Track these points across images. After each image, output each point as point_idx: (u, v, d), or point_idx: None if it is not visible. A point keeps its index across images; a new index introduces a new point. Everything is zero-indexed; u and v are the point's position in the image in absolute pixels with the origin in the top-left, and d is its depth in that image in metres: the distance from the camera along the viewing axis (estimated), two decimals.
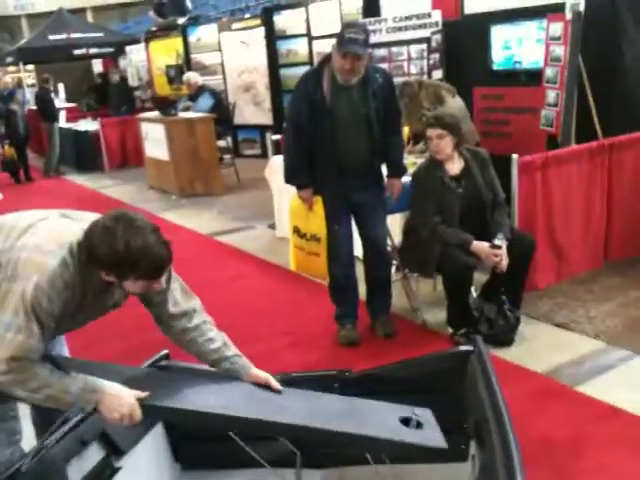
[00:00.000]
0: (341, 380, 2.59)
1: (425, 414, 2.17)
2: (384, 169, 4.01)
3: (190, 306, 2.27)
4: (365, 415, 2.16)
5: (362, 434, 2.02)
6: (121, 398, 2.00)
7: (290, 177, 3.94)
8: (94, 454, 2.23)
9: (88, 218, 2.08)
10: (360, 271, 4.11)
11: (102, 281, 2.00)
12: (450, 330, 3.94)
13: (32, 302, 1.87)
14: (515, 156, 4.19)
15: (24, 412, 2.44)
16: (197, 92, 8.95)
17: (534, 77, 5.31)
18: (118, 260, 1.87)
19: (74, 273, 1.93)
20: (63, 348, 2.54)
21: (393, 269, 4.37)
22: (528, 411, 2.98)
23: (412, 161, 4.75)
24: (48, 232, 1.99)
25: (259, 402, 2.22)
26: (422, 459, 2.01)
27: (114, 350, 3.87)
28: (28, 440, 2.39)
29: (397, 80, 4.87)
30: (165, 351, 2.73)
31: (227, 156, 9.27)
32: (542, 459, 2.65)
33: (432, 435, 2.06)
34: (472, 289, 4.03)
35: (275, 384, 2.29)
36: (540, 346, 3.77)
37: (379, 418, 2.14)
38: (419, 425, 2.09)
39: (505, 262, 3.68)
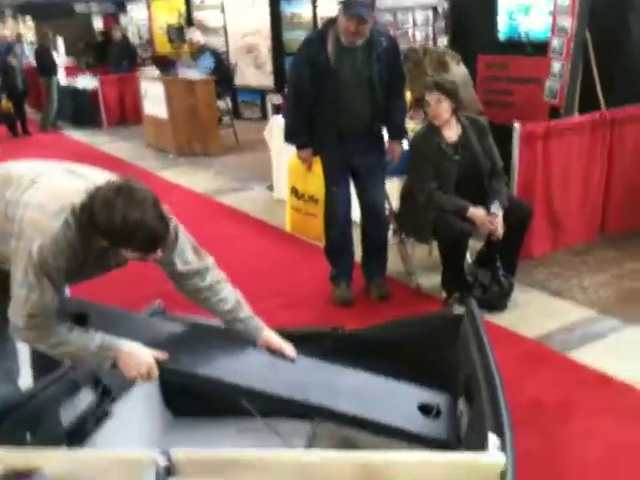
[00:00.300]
0: (333, 337, 2.61)
1: (444, 401, 2.17)
2: (385, 133, 3.99)
3: (202, 265, 2.27)
4: (383, 398, 2.16)
5: (378, 421, 2.03)
6: (139, 357, 2.06)
7: (290, 137, 3.92)
8: (86, 398, 2.25)
9: (93, 177, 2.08)
10: (357, 234, 4.11)
11: (102, 244, 2.02)
12: (444, 294, 3.96)
13: (39, 262, 1.91)
14: (517, 125, 4.17)
15: (24, 355, 2.45)
16: (199, 51, 8.84)
17: (540, 47, 5.25)
18: (114, 231, 1.88)
19: (76, 233, 1.94)
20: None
21: (390, 233, 4.38)
22: (518, 374, 3.01)
23: (412, 127, 4.72)
24: (52, 190, 2.00)
25: (275, 374, 2.23)
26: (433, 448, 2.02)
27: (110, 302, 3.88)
28: (25, 381, 2.41)
29: (402, 47, 4.82)
30: (157, 302, 2.75)
31: (226, 117, 9.20)
32: (530, 422, 2.68)
33: (447, 426, 2.06)
34: (467, 255, 4.05)
35: (289, 351, 2.30)
36: (532, 313, 3.80)
37: (397, 402, 2.14)
38: (437, 414, 2.09)
39: (501, 230, 3.69)
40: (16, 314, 1.99)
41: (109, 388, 2.31)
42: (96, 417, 2.27)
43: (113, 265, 2.21)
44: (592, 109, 4.78)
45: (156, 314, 2.67)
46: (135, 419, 2.35)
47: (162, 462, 1.61)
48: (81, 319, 2.17)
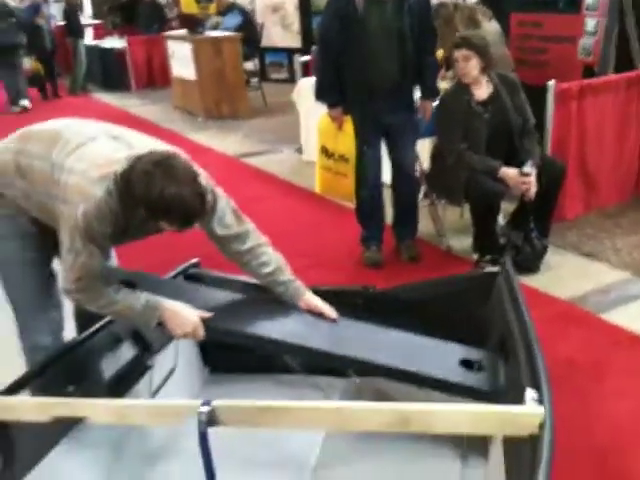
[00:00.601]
0: (365, 295, 2.62)
1: (485, 356, 2.18)
2: (417, 92, 3.93)
3: (242, 229, 2.28)
4: (425, 353, 2.17)
5: (423, 373, 2.04)
6: (184, 316, 2.12)
7: (320, 94, 3.88)
8: (127, 351, 2.30)
9: (137, 144, 2.09)
10: (388, 196, 4.09)
11: (142, 212, 2.04)
12: (475, 256, 3.94)
13: (85, 227, 1.95)
14: (552, 82, 4.09)
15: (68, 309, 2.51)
16: (226, 9, 8.75)
17: (573, 4, 5.12)
18: (151, 204, 1.90)
19: (117, 201, 1.96)
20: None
21: (421, 195, 4.36)
22: (551, 335, 3.00)
23: (444, 87, 4.64)
24: (95, 157, 2.01)
25: (319, 332, 2.25)
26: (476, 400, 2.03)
27: (143, 263, 3.93)
28: (69, 334, 2.47)
29: (433, 2, 4.72)
30: (195, 259, 2.78)
31: (254, 79, 9.13)
32: (564, 380, 2.67)
33: (490, 380, 2.06)
34: (499, 217, 4.01)
35: (330, 312, 2.32)
36: (566, 274, 3.77)
37: (439, 357, 2.14)
38: (480, 369, 2.09)
39: (533, 190, 3.63)
40: (65, 278, 2.06)
41: (149, 342, 2.37)
42: (136, 370, 2.33)
43: (154, 231, 2.22)
44: (628, 68, 4.66)
45: (193, 271, 2.71)
46: (174, 373, 2.40)
47: (204, 412, 1.64)
48: (128, 287, 2.22)
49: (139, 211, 1.96)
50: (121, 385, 2.25)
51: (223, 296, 2.39)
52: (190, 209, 1.92)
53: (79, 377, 2.11)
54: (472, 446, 2.23)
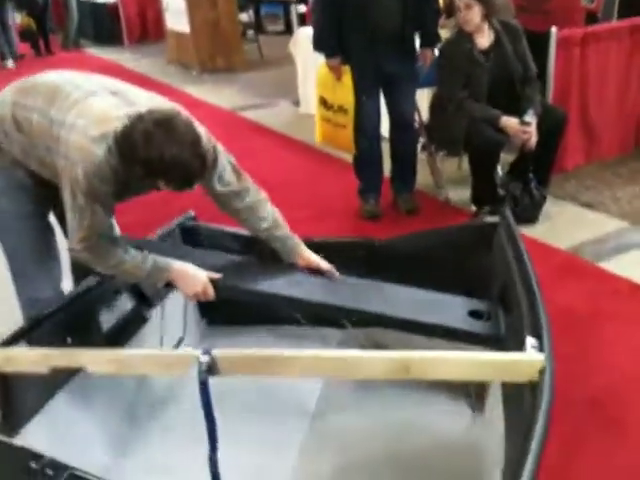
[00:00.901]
0: (367, 247, 2.60)
1: (491, 307, 2.17)
2: (417, 40, 3.85)
3: (242, 186, 2.25)
4: (433, 305, 2.17)
5: (433, 323, 2.03)
6: (193, 276, 2.12)
7: (318, 44, 3.80)
8: (125, 303, 2.30)
9: (137, 100, 2.04)
10: (386, 149, 4.04)
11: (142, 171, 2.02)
12: (474, 208, 3.92)
13: (87, 187, 1.92)
14: (554, 29, 4.01)
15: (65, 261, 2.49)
16: None
17: None
18: (150, 164, 1.86)
19: (118, 160, 1.93)
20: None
21: (419, 146, 4.31)
22: (550, 284, 2.96)
23: (444, 35, 4.55)
24: (97, 114, 1.96)
25: (328, 288, 2.25)
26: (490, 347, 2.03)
27: (136, 217, 3.90)
28: (67, 285, 2.45)
29: None
30: (191, 212, 2.76)
31: (250, 31, 8.97)
32: (563, 328, 2.67)
33: (499, 328, 2.06)
34: (499, 168, 3.98)
35: (328, 268, 2.30)
36: (564, 224, 3.76)
37: (447, 309, 2.14)
38: (489, 319, 2.09)
39: (534, 140, 3.59)
40: (71, 237, 2.03)
41: (147, 294, 2.36)
42: (134, 322, 2.33)
43: (153, 188, 2.17)
44: (632, 14, 4.56)
45: (188, 223, 2.69)
46: (170, 327, 2.40)
47: (204, 361, 1.64)
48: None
49: (138, 169, 1.92)
50: (119, 337, 2.25)
51: (227, 258, 2.38)
52: (190, 171, 1.89)
53: (77, 329, 2.10)
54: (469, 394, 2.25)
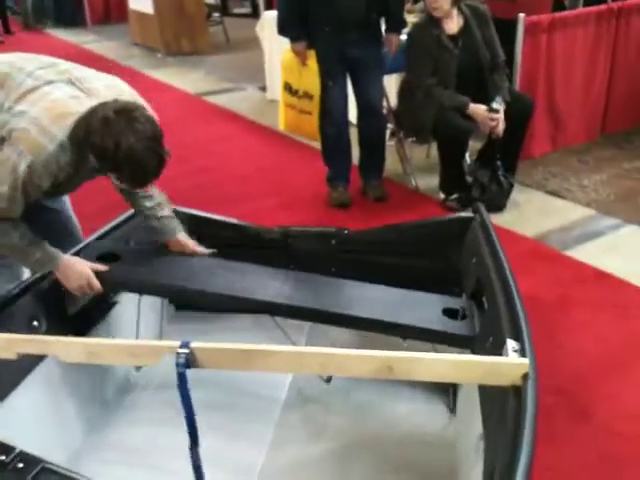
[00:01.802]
0: (339, 237, 2.58)
1: (466, 304, 2.16)
2: (383, 24, 3.81)
3: None
4: (406, 305, 2.15)
5: (406, 324, 2.02)
6: (78, 272, 2.06)
7: (283, 28, 3.74)
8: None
9: (96, 91, 1.95)
10: (354, 136, 4.01)
11: (94, 164, 1.94)
12: (442, 195, 3.92)
13: (23, 179, 1.84)
14: (522, 15, 4.00)
15: None
16: None
17: None
18: (104, 156, 1.78)
19: (70, 156, 1.86)
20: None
21: (388, 133, 4.28)
22: (516, 272, 2.96)
23: (411, 21, 4.51)
24: (51, 106, 1.87)
25: (296, 287, 2.23)
26: (464, 347, 2.01)
27: (98, 204, 3.82)
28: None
29: None
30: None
31: (215, 14, 8.82)
32: (529, 316, 2.70)
33: (474, 327, 2.05)
34: (467, 155, 3.97)
35: (204, 251, 2.33)
36: (531, 212, 3.78)
37: (421, 308, 2.12)
38: (464, 317, 2.08)
39: (502, 127, 3.60)
40: None
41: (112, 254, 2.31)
42: (102, 307, 2.28)
43: (100, 175, 2.11)
44: (598, 2, 4.59)
45: None
46: (138, 311, 2.36)
47: (183, 353, 1.60)
48: (113, 257, 2.22)
49: (92, 162, 1.86)
50: (86, 320, 2.20)
51: (213, 264, 2.34)
52: (145, 168, 1.81)
53: (43, 312, 2.04)
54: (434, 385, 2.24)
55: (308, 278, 2.33)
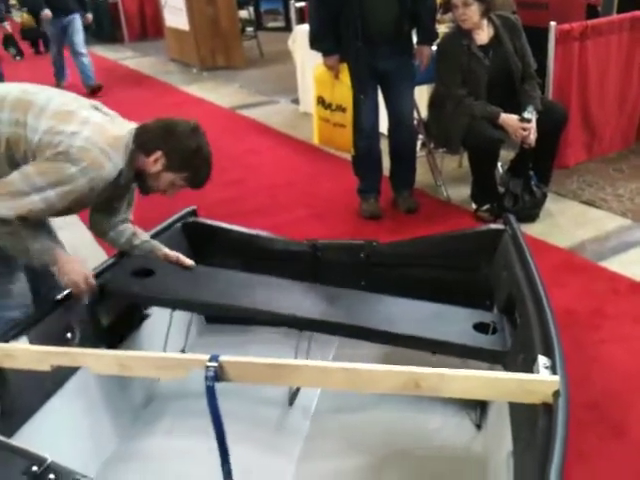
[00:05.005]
0: (368, 250, 2.58)
1: (497, 318, 2.14)
2: (414, 36, 3.81)
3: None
4: (436, 319, 2.15)
5: (437, 339, 2.02)
6: (75, 266, 2.10)
7: (315, 42, 3.75)
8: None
9: (114, 115, 2.15)
10: (386, 148, 4.01)
11: (131, 182, 2.15)
12: (474, 206, 3.89)
13: (78, 190, 1.94)
14: (553, 24, 3.97)
15: None
16: None
17: None
18: (184, 153, 2.05)
19: (117, 175, 2.02)
20: None
21: (418, 144, 4.27)
22: (549, 284, 2.91)
23: (442, 31, 4.51)
24: (99, 129, 2.00)
25: (327, 303, 2.26)
26: (495, 362, 2.01)
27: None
28: None
29: None
30: (192, 207, 2.76)
31: (249, 28, 8.93)
32: (562, 328, 2.64)
33: (504, 339, 2.04)
34: (499, 165, 3.94)
35: (186, 261, 2.40)
36: (565, 222, 3.72)
37: (451, 323, 2.12)
38: (495, 331, 2.06)
39: (534, 136, 3.56)
40: (6, 204, 1.92)
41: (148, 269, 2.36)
42: (135, 319, 2.33)
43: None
44: (632, 9, 4.52)
45: (189, 218, 2.72)
46: (170, 322, 2.39)
47: (212, 367, 1.63)
48: (146, 273, 2.30)
49: (129, 179, 2.09)
50: (119, 332, 2.25)
51: (244, 279, 2.40)
52: (210, 171, 2.14)
53: (77, 324, 2.09)
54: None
55: (337, 293, 2.34)
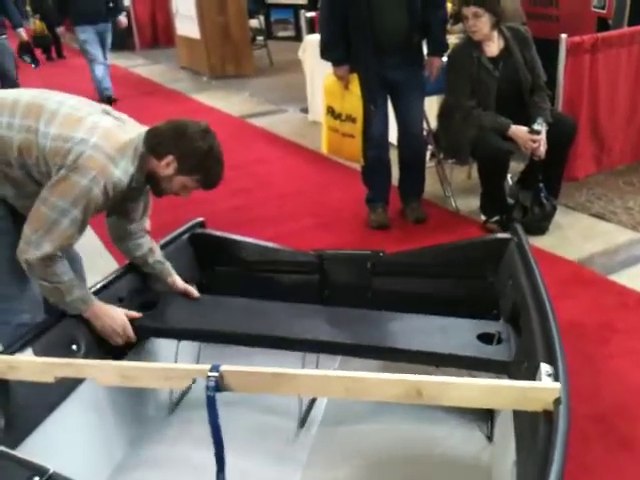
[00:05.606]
0: (375, 260, 2.58)
1: (502, 328, 2.14)
2: (425, 47, 3.82)
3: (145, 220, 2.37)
4: (440, 332, 2.14)
5: (441, 352, 2.02)
6: (113, 318, 2.12)
7: (325, 52, 3.76)
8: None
9: (125, 119, 2.15)
10: (395, 158, 4.01)
11: (143, 185, 2.15)
12: (483, 217, 3.88)
13: (95, 200, 1.95)
14: (564, 36, 3.96)
15: None
16: None
17: None
18: (195, 154, 2.04)
19: (129, 179, 2.02)
20: None
21: (428, 155, 4.27)
22: (558, 296, 2.89)
23: (452, 42, 4.51)
24: (107, 134, 2.00)
25: (328, 321, 2.27)
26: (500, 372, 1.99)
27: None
28: None
29: None
30: (200, 219, 2.76)
31: (260, 37, 8.98)
32: (570, 342, 2.62)
33: (509, 349, 2.03)
34: (508, 176, 3.93)
35: (194, 292, 2.39)
36: (575, 235, 3.71)
37: (455, 335, 2.11)
38: (500, 341, 2.06)
39: (543, 148, 3.55)
40: (43, 238, 1.94)
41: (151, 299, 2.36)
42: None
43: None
44: None
45: (197, 229, 2.72)
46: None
47: (213, 377, 1.62)
48: (150, 304, 2.31)
49: (140, 184, 2.10)
50: (123, 346, 2.24)
51: (248, 306, 2.40)
52: (222, 173, 2.14)
53: (82, 336, 2.09)
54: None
55: (341, 313, 2.35)
